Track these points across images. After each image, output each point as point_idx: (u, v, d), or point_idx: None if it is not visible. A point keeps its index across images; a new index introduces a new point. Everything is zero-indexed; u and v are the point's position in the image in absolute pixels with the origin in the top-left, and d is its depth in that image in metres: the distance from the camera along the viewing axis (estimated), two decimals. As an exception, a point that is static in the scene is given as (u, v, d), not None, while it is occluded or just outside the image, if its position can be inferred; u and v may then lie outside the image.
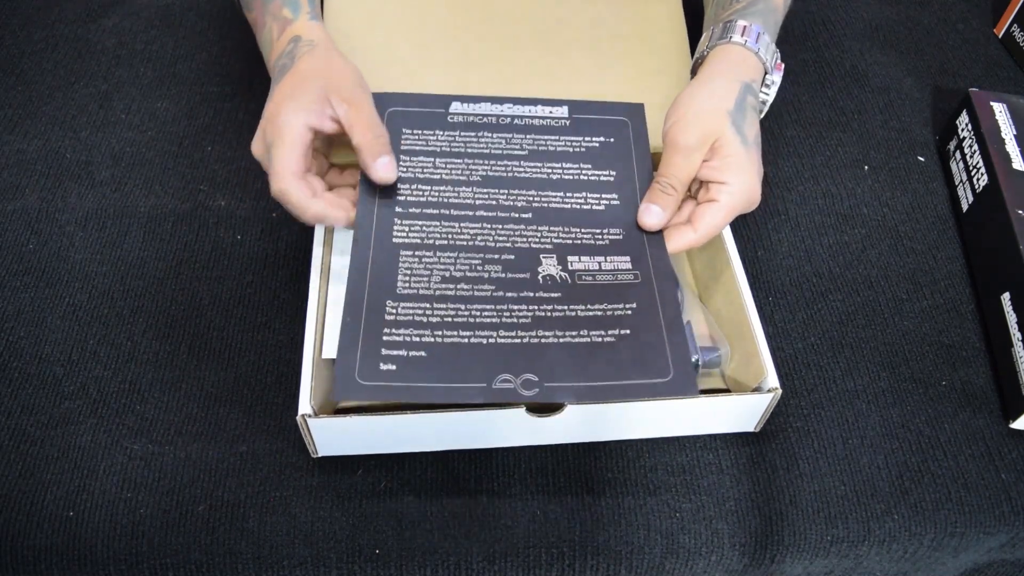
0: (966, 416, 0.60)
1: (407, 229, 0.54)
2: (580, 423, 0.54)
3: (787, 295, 0.65)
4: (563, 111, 0.61)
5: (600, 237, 0.55)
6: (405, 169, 0.57)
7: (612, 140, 0.60)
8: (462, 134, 0.59)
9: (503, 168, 0.57)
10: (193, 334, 0.60)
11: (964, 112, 0.72)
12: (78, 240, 0.65)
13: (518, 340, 0.49)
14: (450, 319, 0.50)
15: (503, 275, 0.52)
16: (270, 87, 0.56)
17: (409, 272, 0.52)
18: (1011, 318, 0.60)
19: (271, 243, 0.65)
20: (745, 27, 0.58)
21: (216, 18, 0.82)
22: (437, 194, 0.56)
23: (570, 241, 0.55)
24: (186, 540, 0.51)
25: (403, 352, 0.48)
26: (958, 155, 0.72)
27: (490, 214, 0.55)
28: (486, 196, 0.56)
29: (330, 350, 0.53)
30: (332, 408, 0.54)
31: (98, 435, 0.55)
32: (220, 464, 0.54)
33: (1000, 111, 0.70)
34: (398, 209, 0.55)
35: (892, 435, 0.58)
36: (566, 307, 0.51)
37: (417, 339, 0.49)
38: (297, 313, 0.60)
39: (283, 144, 0.51)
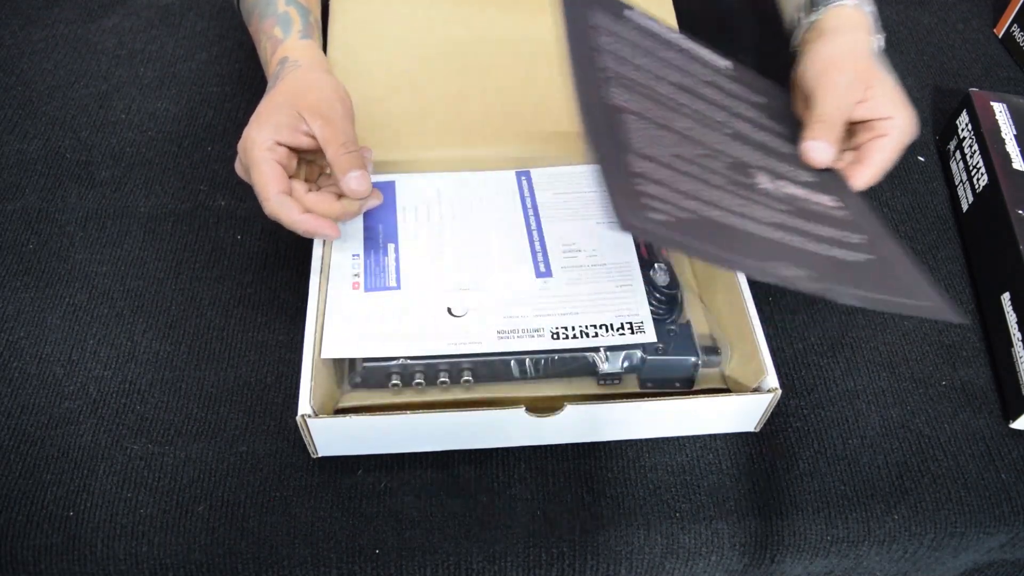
0: (966, 416, 0.60)
1: (627, 92, 0.45)
2: (579, 423, 0.54)
3: (787, 295, 0.65)
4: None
5: (796, 174, 0.52)
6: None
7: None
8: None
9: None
10: (193, 334, 0.60)
11: (964, 112, 0.72)
12: (78, 240, 0.65)
13: (776, 236, 0.43)
14: (696, 193, 0.42)
15: (728, 173, 0.46)
16: None
17: (640, 132, 0.43)
18: (1011, 318, 0.60)
19: (271, 243, 0.65)
20: None
21: (216, 18, 0.82)
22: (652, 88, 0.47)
23: (771, 167, 0.51)
24: (186, 540, 0.51)
25: (670, 206, 0.40)
26: (958, 155, 0.72)
27: (700, 126, 0.49)
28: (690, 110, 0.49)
29: (330, 350, 0.53)
30: (332, 408, 0.54)
31: (98, 435, 0.55)
32: (220, 464, 0.54)
33: (1000, 111, 0.70)
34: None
35: (892, 435, 0.58)
36: (803, 221, 0.46)
37: (673, 203, 0.40)
38: (297, 313, 0.60)
39: (255, 165, 0.51)
